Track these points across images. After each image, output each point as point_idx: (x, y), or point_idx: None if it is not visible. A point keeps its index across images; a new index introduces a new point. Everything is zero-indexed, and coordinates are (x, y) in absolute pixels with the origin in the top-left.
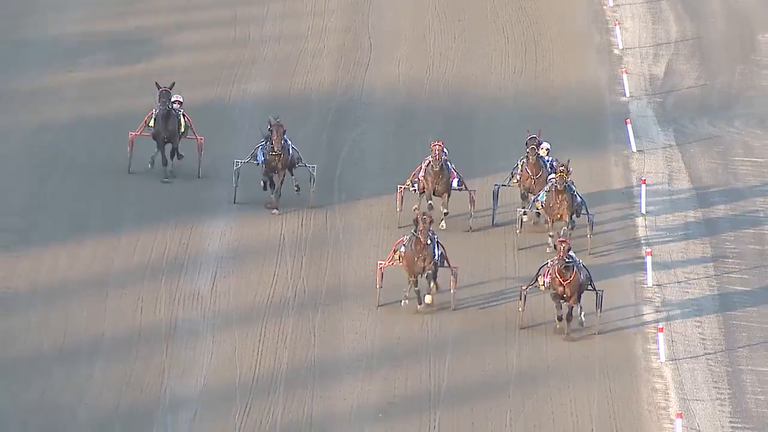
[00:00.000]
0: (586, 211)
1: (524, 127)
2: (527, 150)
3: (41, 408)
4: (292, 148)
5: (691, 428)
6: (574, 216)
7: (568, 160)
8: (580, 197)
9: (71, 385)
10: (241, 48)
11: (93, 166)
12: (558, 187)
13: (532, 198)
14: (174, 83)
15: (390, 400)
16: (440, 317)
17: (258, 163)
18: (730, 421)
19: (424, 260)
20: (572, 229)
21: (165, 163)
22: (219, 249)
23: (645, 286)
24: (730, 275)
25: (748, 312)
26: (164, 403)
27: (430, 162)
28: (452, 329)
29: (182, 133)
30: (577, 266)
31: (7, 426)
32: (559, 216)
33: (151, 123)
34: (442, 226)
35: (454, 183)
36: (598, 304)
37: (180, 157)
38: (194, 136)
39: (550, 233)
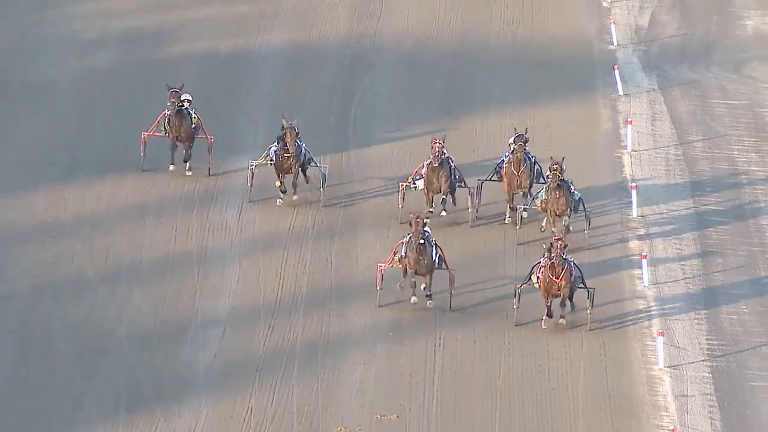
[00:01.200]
0: (584, 207)
1: (522, 74)
2: (514, 146)
3: (86, 326)
4: (305, 148)
5: (671, 345)
6: (572, 213)
7: (562, 158)
8: (579, 194)
9: (113, 305)
10: (264, 2)
11: (133, 110)
12: (553, 184)
13: (530, 196)
14: (183, 84)
15: (399, 321)
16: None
17: (272, 163)
18: (707, 339)
19: (420, 263)
20: (569, 230)
21: (174, 163)
22: (245, 184)
23: (630, 217)
24: (708, 206)
25: (723, 240)
26: (196, 321)
27: (430, 160)
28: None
29: (194, 131)
30: (569, 264)
31: (55, 342)
32: (558, 212)
33: (164, 123)
34: (443, 213)
35: (455, 179)
36: (590, 301)
37: (189, 157)
38: (204, 135)
39: (553, 229)
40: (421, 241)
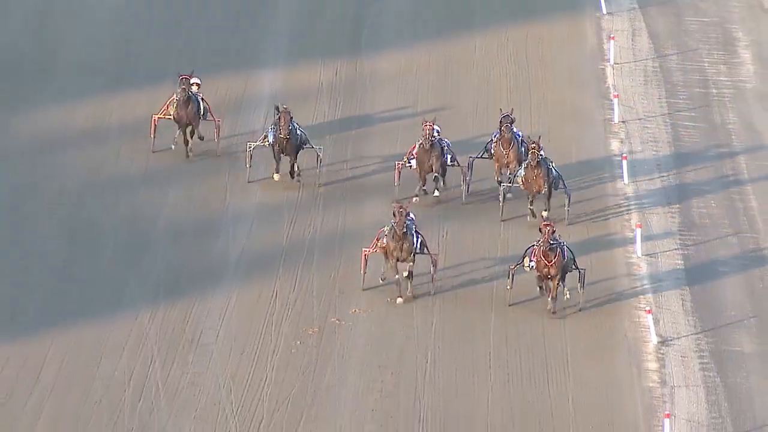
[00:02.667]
0: (563, 185)
1: None
2: (501, 127)
3: (129, 222)
4: (300, 130)
5: (646, 237)
6: (552, 190)
7: (539, 137)
8: (557, 171)
9: (153, 201)
10: None
11: (170, 25)
12: (532, 162)
13: (510, 173)
14: (193, 70)
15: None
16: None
17: (269, 144)
18: (679, 230)
19: (402, 250)
20: (548, 209)
21: (186, 143)
22: (270, 91)
23: (612, 122)
24: (681, 111)
25: (694, 141)
26: (227, 217)
27: (422, 141)
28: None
29: (201, 116)
30: (561, 248)
31: (101, 235)
32: (537, 189)
33: (173, 108)
34: (435, 193)
35: (448, 159)
36: (581, 282)
37: (201, 138)
38: (212, 118)
39: (530, 207)
40: (404, 230)
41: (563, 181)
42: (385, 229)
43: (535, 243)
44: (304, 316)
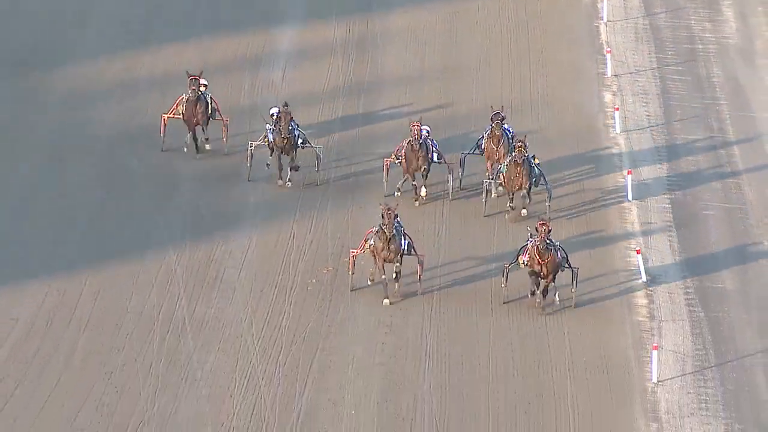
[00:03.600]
0: (545, 181)
1: None
2: (492, 124)
3: (158, 167)
4: (299, 130)
5: (637, 183)
6: (532, 187)
7: (525, 136)
8: (539, 169)
9: (180, 150)
10: None
11: None
12: (517, 160)
13: (495, 169)
14: (202, 71)
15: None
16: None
17: (270, 143)
18: (667, 176)
19: (390, 251)
20: (529, 202)
21: (196, 141)
22: (288, 49)
23: (605, 76)
24: (669, 66)
25: (681, 94)
26: (245, 165)
27: (411, 141)
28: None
29: (210, 115)
30: (554, 247)
31: (132, 180)
32: (518, 186)
33: (182, 108)
34: (423, 193)
35: (435, 157)
36: (575, 280)
37: (206, 139)
38: (221, 118)
39: (511, 204)
40: (392, 232)
41: (545, 178)
42: (374, 230)
43: (528, 242)
44: (320, 256)
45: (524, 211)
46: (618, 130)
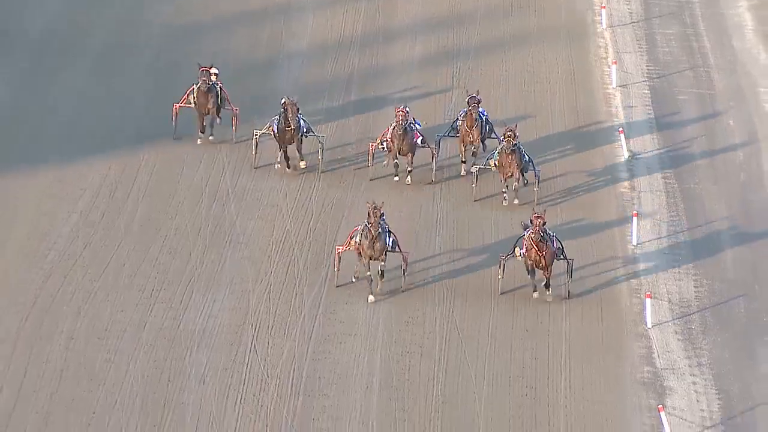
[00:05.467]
0: (533, 166)
1: None
2: (468, 107)
3: (201, 59)
4: (304, 120)
5: (620, 73)
6: (524, 172)
7: (515, 125)
8: (528, 156)
9: (221, 44)
10: None
11: None
12: (507, 149)
13: (474, 150)
14: (212, 64)
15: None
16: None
17: (275, 134)
18: (647, 65)
19: (375, 250)
20: (525, 185)
21: (203, 131)
22: None
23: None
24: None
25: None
26: (282, 54)
27: (395, 125)
28: None
29: (220, 104)
30: (550, 239)
31: (181, 75)
32: (510, 173)
33: (193, 97)
34: (408, 180)
35: (418, 141)
36: (569, 272)
37: (219, 118)
38: (230, 107)
39: (504, 190)
40: (378, 231)
41: (533, 164)
42: (359, 228)
43: (524, 234)
44: (344, 141)
45: (516, 201)
46: (604, 25)
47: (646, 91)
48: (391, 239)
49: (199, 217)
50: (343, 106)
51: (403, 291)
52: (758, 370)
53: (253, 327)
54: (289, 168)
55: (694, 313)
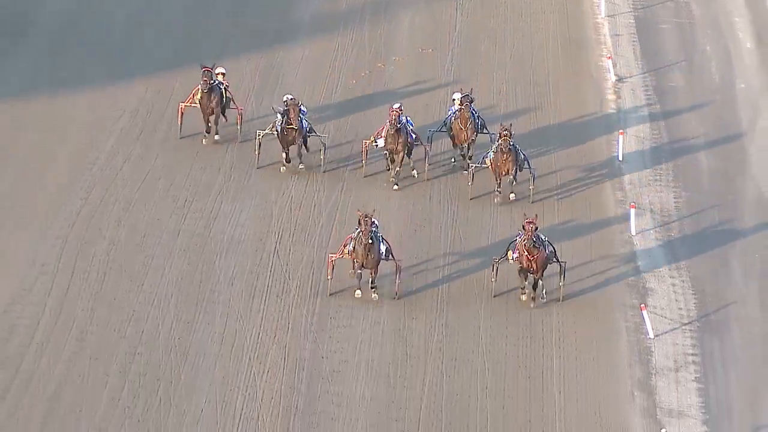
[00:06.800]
0: (528, 165)
1: None
2: (461, 106)
3: None
4: (306, 121)
5: (610, 2)
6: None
7: (510, 124)
8: (523, 154)
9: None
10: None
11: None
12: (503, 148)
13: (468, 147)
14: (215, 64)
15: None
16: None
17: (278, 133)
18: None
19: (368, 258)
20: (515, 182)
21: (208, 131)
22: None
23: None
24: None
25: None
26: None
27: (388, 126)
28: None
29: (224, 104)
30: (543, 244)
31: (212, 7)
32: (506, 171)
33: (198, 97)
34: (414, 174)
35: (413, 139)
36: (562, 275)
37: (224, 116)
38: (235, 107)
39: (498, 189)
40: (370, 240)
41: (528, 162)
42: (352, 236)
43: (517, 238)
44: (359, 62)
45: (512, 195)
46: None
47: (632, 21)
48: (384, 247)
49: (228, 134)
50: (357, 39)
51: (396, 298)
52: (730, 272)
53: (276, 235)
54: (285, 167)
55: (673, 221)
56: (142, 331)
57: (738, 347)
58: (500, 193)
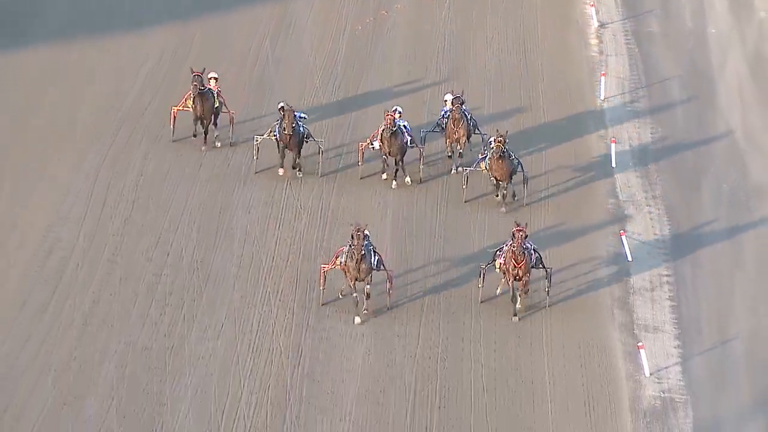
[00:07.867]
0: (522, 169)
1: None
2: (453, 107)
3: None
4: (303, 126)
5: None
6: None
7: (506, 131)
8: (517, 159)
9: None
10: None
11: None
12: (497, 154)
13: (460, 147)
14: (205, 68)
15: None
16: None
17: (276, 138)
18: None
19: (360, 271)
20: (509, 185)
21: (195, 135)
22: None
23: None
24: None
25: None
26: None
27: (384, 128)
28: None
29: (216, 109)
30: (529, 252)
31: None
32: (500, 178)
33: (190, 102)
34: (408, 181)
35: (408, 141)
36: (548, 280)
37: (215, 125)
38: (227, 111)
39: (497, 194)
40: (362, 253)
41: (522, 166)
42: (344, 249)
43: (505, 244)
44: (363, 9)
45: (512, 198)
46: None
47: None
48: (376, 258)
49: (243, 78)
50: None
51: (388, 309)
52: (701, 200)
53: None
54: (282, 168)
55: (649, 154)
56: (167, 254)
57: (707, 269)
58: (504, 200)
